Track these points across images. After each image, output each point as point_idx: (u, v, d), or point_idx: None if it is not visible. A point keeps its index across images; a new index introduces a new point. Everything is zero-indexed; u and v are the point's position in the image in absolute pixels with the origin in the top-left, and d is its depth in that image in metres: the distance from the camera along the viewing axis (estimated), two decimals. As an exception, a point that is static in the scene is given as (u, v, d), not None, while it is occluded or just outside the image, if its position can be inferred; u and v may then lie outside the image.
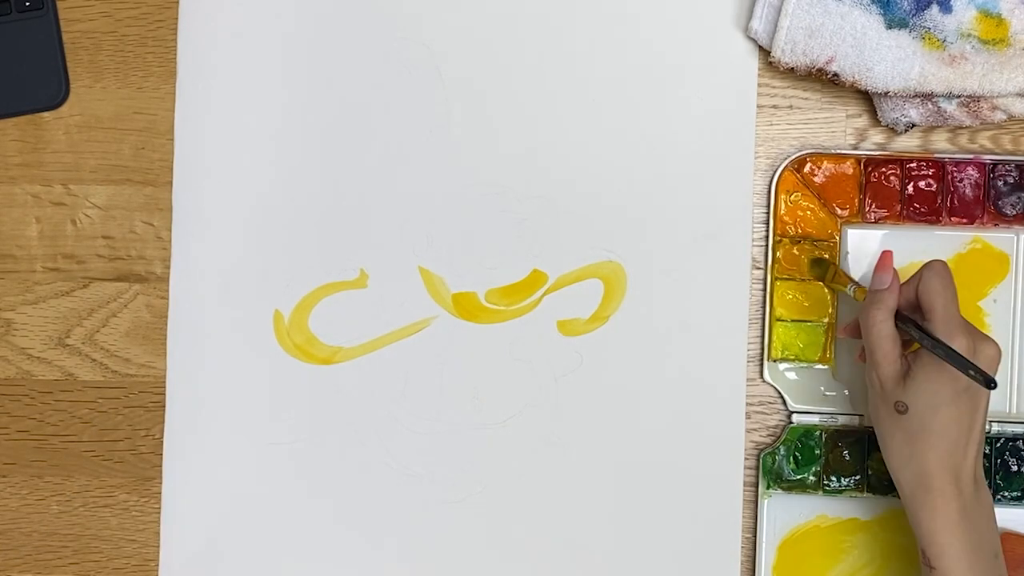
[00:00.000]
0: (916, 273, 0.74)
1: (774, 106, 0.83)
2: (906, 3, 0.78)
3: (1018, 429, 0.81)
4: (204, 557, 0.83)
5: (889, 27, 0.78)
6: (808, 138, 0.83)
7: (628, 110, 0.82)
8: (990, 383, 0.69)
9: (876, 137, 0.83)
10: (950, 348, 0.71)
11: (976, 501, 0.72)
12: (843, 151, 0.82)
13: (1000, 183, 0.81)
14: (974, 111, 0.79)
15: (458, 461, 0.83)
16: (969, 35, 0.78)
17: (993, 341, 0.73)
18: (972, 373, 0.70)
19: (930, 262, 0.74)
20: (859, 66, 0.78)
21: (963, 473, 0.72)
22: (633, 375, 0.82)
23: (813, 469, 0.81)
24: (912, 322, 0.73)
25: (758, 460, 0.81)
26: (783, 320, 0.82)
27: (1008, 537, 0.81)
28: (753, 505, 0.82)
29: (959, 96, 0.79)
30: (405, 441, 0.83)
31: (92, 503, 0.84)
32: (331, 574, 0.83)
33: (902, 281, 0.75)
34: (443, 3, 0.83)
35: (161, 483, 0.83)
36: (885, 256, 0.76)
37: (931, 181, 0.81)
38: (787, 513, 0.81)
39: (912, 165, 0.81)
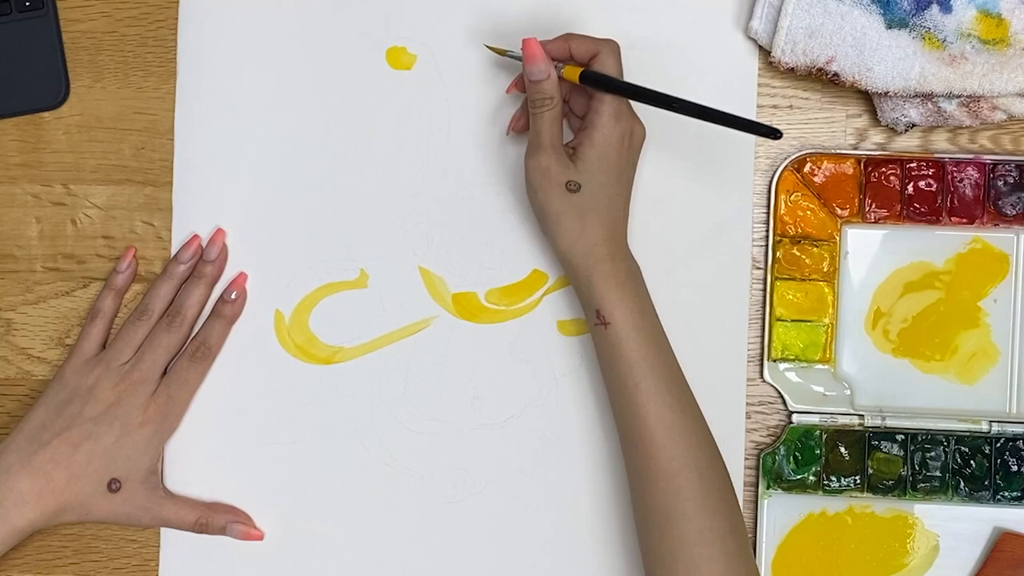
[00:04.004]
0: (586, 40, 0.78)
1: (774, 106, 0.83)
2: (906, 3, 0.78)
3: (1018, 429, 0.81)
4: (204, 557, 0.83)
5: (889, 27, 0.78)
6: (808, 138, 0.83)
7: (628, 110, 0.82)
8: (776, 134, 0.72)
9: (876, 137, 0.83)
10: (724, 113, 0.73)
11: (635, 265, 0.78)
12: (843, 151, 0.82)
13: (1000, 183, 0.82)
14: (974, 111, 0.79)
15: (458, 461, 0.83)
16: (969, 35, 0.78)
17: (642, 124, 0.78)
18: (761, 129, 0.72)
19: (608, 40, 0.77)
20: (859, 66, 0.78)
21: (623, 241, 0.77)
22: (633, 375, 0.82)
23: (813, 469, 0.81)
24: (678, 102, 0.75)
25: (758, 460, 0.82)
26: (783, 320, 0.82)
27: (1008, 537, 0.81)
28: (753, 505, 0.82)
29: (959, 96, 0.79)
30: (405, 441, 0.83)
31: (92, 503, 0.84)
32: (331, 574, 0.83)
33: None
34: (443, 3, 0.83)
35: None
36: (531, 46, 0.76)
37: (931, 181, 0.81)
38: (787, 513, 0.81)
39: (912, 165, 0.81)
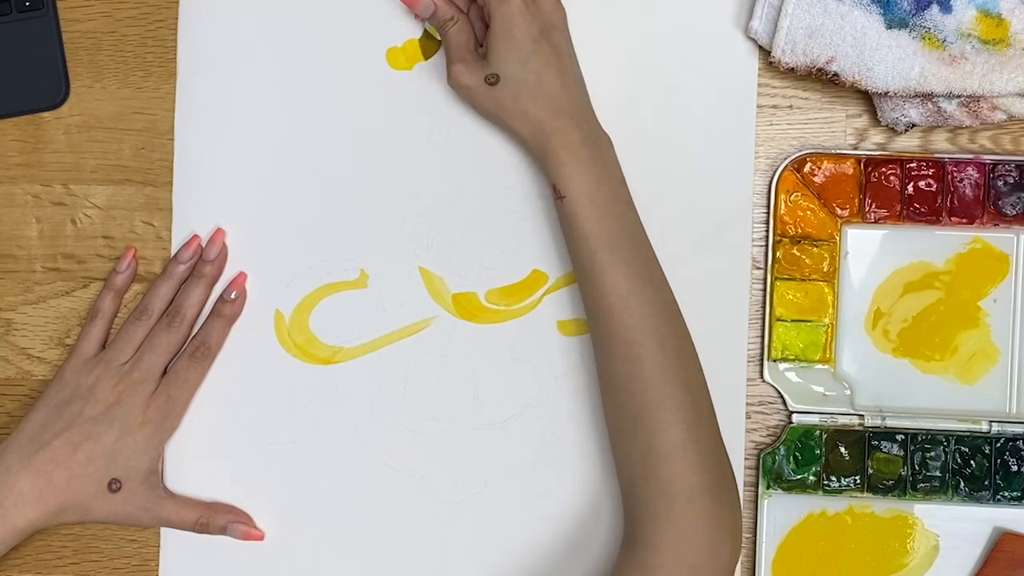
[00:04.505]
0: None
1: (774, 106, 0.83)
2: (906, 3, 0.78)
3: (1018, 429, 0.81)
4: (204, 557, 0.83)
5: (889, 27, 0.78)
6: (808, 138, 0.83)
7: (628, 110, 0.82)
8: None
9: (876, 137, 0.83)
10: None
11: (594, 134, 0.77)
12: (843, 151, 0.82)
13: (1000, 183, 0.82)
14: (974, 111, 0.79)
15: (458, 461, 0.83)
16: (969, 35, 0.78)
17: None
18: None
19: None
20: (859, 66, 0.78)
21: (574, 111, 0.76)
22: (633, 375, 0.82)
23: (813, 469, 0.81)
24: None
25: (758, 460, 0.82)
26: (783, 320, 0.82)
27: (1008, 537, 0.81)
28: (753, 505, 0.82)
29: (959, 96, 0.79)
30: (405, 441, 0.83)
31: (92, 503, 0.84)
32: (331, 574, 0.83)
33: None
34: (443, 3, 0.83)
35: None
36: None
37: (931, 181, 0.81)
38: (787, 513, 0.82)
39: (912, 165, 0.81)
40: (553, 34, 0.77)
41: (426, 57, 0.83)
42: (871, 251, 0.82)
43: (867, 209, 0.82)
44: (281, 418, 0.83)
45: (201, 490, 0.83)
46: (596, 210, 0.75)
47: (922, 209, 0.82)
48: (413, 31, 0.83)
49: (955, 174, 0.81)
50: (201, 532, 0.81)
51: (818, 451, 0.81)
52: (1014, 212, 0.81)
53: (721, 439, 0.75)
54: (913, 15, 0.78)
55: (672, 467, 0.72)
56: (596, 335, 0.76)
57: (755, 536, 0.81)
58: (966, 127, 0.81)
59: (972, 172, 0.81)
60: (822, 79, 0.79)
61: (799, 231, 0.82)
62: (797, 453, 0.81)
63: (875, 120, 0.82)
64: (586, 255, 0.75)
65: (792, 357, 0.82)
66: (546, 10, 0.77)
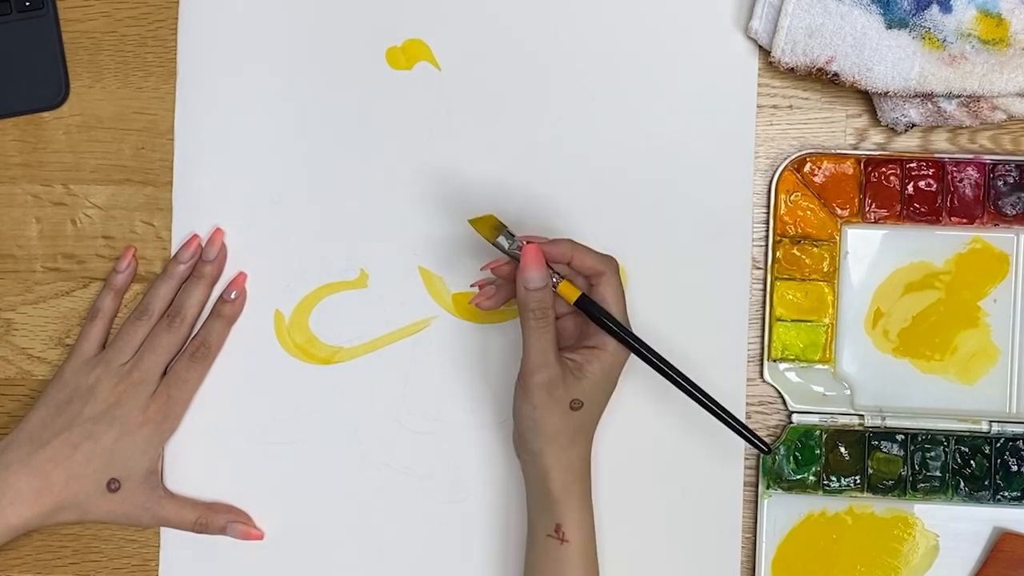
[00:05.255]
0: (590, 254, 0.75)
1: (774, 106, 0.83)
2: (906, 3, 0.78)
3: (1018, 429, 0.81)
4: (204, 557, 0.83)
5: (889, 27, 0.78)
6: (808, 138, 0.83)
7: (628, 110, 0.82)
8: (767, 448, 0.75)
9: (876, 137, 0.83)
10: (727, 413, 0.75)
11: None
12: (843, 151, 0.82)
13: (1000, 183, 0.82)
14: (974, 111, 0.79)
15: (458, 461, 0.83)
16: (969, 35, 0.78)
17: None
18: (752, 440, 0.74)
19: (610, 260, 0.75)
20: (859, 66, 0.78)
21: (590, 458, 0.77)
22: (633, 375, 0.82)
23: (813, 469, 0.81)
24: (661, 362, 0.75)
25: (758, 460, 0.81)
26: (783, 320, 0.82)
27: (1008, 537, 0.81)
28: (753, 505, 0.82)
29: (959, 96, 0.79)
30: (405, 441, 0.83)
31: (92, 503, 0.84)
32: (331, 574, 0.83)
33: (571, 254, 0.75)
34: (443, 3, 0.83)
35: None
36: (531, 252, 0.73)
37: (931, 181, 0.81)
38: (787, 513, 0.81)
39: (912, 165, 0.81)
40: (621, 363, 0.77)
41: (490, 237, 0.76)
42: (871, 251, 0.82)
43: (867, 209, 0.82)
44: (281, 418, 0.83)
45: (201, 490, 0.83)
46: (589, 562, 0.76)
47: (922, 209, 0.82)
48: (413, 31, 0.83)
49: (955, 174, 0.81)
50: (200, 532, 0.81)
51: (818, 451, 0.81)
52: (1014, 212, 0.81)
53: None
54: (913, 15, 0.78)
55: None
56: None
57: (755, 536, 0.81)
58: (966, 127, 0.81)
59: (972, 172, 0.81)
60: (822, 79, 0.79)
61: (799, 231, 0.82)
62: (797, 453, 0.81)
63: (875, 120, 0.82)
64: None
65: (792, 357, 0.82)
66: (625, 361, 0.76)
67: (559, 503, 0.75)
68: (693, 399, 0.75)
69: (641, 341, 0.75)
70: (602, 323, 0.74)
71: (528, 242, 0.74)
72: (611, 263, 0.76)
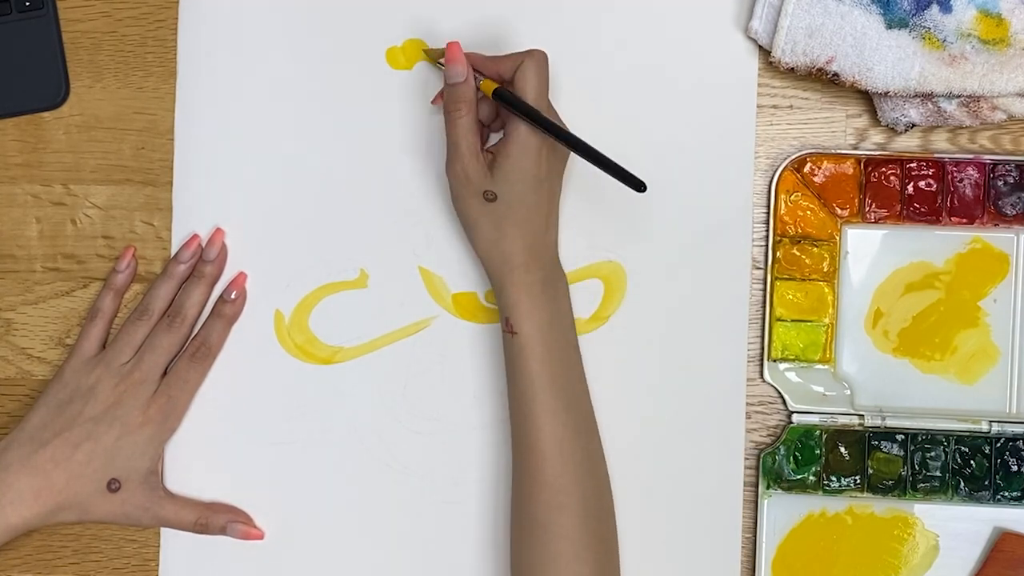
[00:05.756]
0: (516, 55, 0.77)
1: (774, 106, 0.83)
2: (906, 3, 0.78)
3: (1018, 429, 0.81)
4: (204, 557, 0.83)
5: (889, 27, 0.78)
6: (808, 138, 0.83)
7: (628, 110, 0.82)
8: (641, 186, 0.72)
9: (876, 137, 0.83)
10: (602, 155, 0.73)
11: (554, 276, 0.78)
12: (843, 151, 0.82)
13: (1000, 183, 0.82)
14: (974, 111, 0.79)
15: (458, 461, 0.83)
16: (969, 35, 0.78)
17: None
18: (627, 176, 0.72)
19: (533, 51, 0.77)
20: (859, 66, 0.78)
21: (543, 251, 0.77)
22: (633, 375, 0.82)
23: (813, 469, 0.81)
24: (563, 133, 0.75)
25: (758, 460, 0.82)
26: (783, 320, 0.82)
27: (1008, 537, 0.81)
28: (753, 505, 0.82)
29: (959, 96, 0.79)
30: (405, 441, 0.83)
31: (92, 503, 0.84)
32: (331, 574, 0.83)
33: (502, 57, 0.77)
34: (443, 3, 0.83)
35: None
36: (453, 49, 0.76)
37: (931, 181, 0.81)
38: (787, 513, 0.81)
39: (912, 165, 0.81)
40: (554, 180, 0.78)
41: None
42: (871, 251, 0.82)
43: (867, 209, 0.82)
44: (281, 418, 0.83)
45: (201, 490, 0.83)
46: (546, 351, 0.76)
47: (922, 209, 0.82)
48: (413, 31, 0.83)
49: (955, 174, 0.81)
50: (201, 532, 0.81)
51: (818, 451, 0.81)
52: (1014, 212, 0.81)
53: None
54: (913, 15, 0.78)
55: None
56: (522, 476, 0.76)
57: (755, 536, 0.81)
58: (966, 127, 0.81)
59: (972, 172, 0.81)
60: (822, 79, 0.79)
61: (799, 231, 0.82)
62: (797, 453, 0.81)
63: (875, 120, 0.82)
64: (528, 395, 0.76)
65: (792, 357, 0.82)
66: (557, 159, 0.78)
67: (502, 294, 0.77)
68: (586, 156, 0.74)
69: (541, 115, 0.74)
70: (509, 106, 0.75)
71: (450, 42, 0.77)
72: (533, 55, 0.76)
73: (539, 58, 0.76)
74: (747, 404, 0.82)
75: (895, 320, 0.82)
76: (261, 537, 0.82)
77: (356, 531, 0.83)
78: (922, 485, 0.81)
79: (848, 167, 0.82)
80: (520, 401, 0.76)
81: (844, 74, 0.79)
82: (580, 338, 0.82)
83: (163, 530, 0.83)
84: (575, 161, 0.82)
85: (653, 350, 0.82)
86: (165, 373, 0.81)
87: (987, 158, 0.81)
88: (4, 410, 0.84)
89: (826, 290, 0.82)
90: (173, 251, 0.83)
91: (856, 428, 0.81)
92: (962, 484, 0.81)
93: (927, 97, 0.79)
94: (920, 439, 0.81)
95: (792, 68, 0.80)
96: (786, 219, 0.82)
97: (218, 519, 0.81)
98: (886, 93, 0.79)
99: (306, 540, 0.83)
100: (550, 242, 0.78)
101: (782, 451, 0.81)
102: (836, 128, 0.83)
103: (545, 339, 0.76)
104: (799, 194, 0.82)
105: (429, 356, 0.83)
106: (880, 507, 0.81)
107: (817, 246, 0.82)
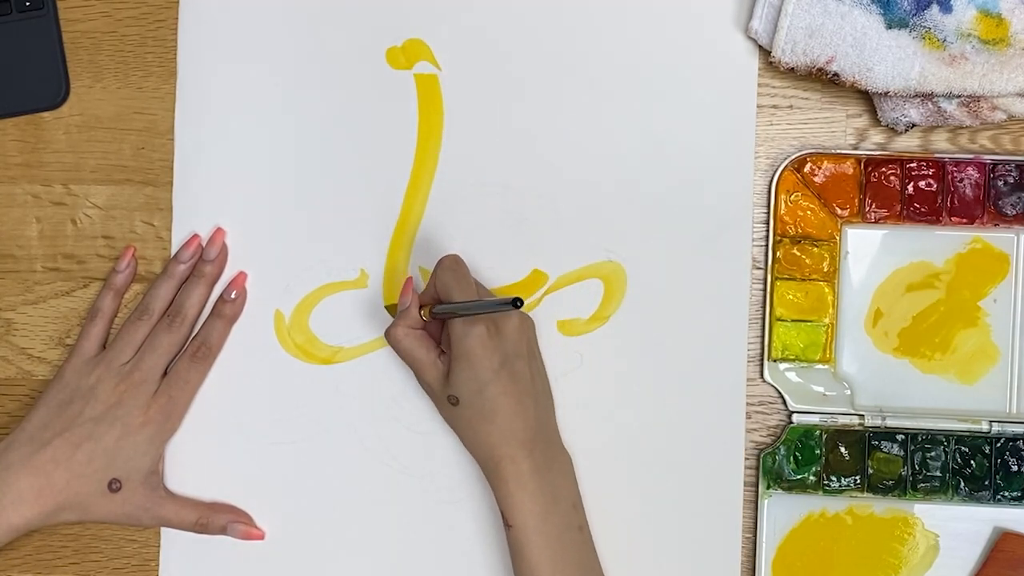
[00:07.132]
0: (432, 273, 0.78)
1: (774, 106, 0.83)
2: (906, 3, 0.78)
3: (1018, 429, 0.81)
4: (204, 557, 0.83)
5: (889, 27, 0.78)
6: (808, 138, 0.83)
7: (628, 110, 0.82)
8: (516, 302, 0.70)
9: (876, 137, 0.83)
10: (470, 302, 0.74)
11: (549, 459, 0.77)
12: (843, 151, 0.82)
13: (1000, 183, 0.82)
14: (974, 111, 0.79)
15: (458, 461, 0.83)
16: (969, 35, 0.78)
17: (519, 315, 0.77)
18: (498, 306, 0.72)
19: (441, 259, 0.78)
20: (859, 66, 0.78)
21: (529, 436, 0.76)
22: (633, 375, 0.82)
23: (813, 469, 0.81)
24: (440, 307, 0.76)
25: (758, 460, 0.82)
26: (783, 320, 0.82)
27: (1008, 537, 0.81)
28: (753, 505, 0.82)
29: (959, 96, 0.79)
30: (405, 441, 0.83)
31: (92, 503, 0.84)
32: (331, 574, 0.83)
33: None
34: (443, 3, 0.83)
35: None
36: (406, 285, 0.78)
37: (931, 181, 0.81)
38: (787, 513, 0.82)
39: (912, 165, 0.81)
40: (515, 362, 0.76)
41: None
42: (871, 251, 0.82)
43: (867, 209, 0.82)
44: (281, 418, 0.83)
45: (201, 490, 0.83)
46: (543, 540, 0.75)
47: (922, 209, 0.82)
48: (413, 31, 0.83)
49: (955, 174, 0.81)
50: (201, 532, 0.81)
51: (818, 451, 0.81)
52: (1014, 212, 0.81)
53: None
54: (913, 15, 0.78)
55: None
56: None
57: (755, 536, 0.81)
58: (966, 127, 0.81)
59: (972, 172, 0.81)
60: (822, 79, 0.79)
61: (799, 231, 0.82)
62: (797, 453, 0.81)
63: (875, 120, 0.82)
64: None
65: (792, 357, 0.82)
66: (509, 339, 0.76)
67: (493, 489, 0.76)
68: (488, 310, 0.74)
69: (464, 303, 0.74)
70: (442, 315, 0.76)
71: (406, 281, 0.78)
72: (440, 261, 0.77)
73: (446, 263, 0.77)
74: (747, 404, 0.82)
75: (895, 320, 0.82)
76: (261, 537, 0.82)
77: (356, 531, 0.83)
78: (922, 485, 0.81)
79: (848, 167, 0.82)
80: None
81: (844, 74, 0.79)
82: (579, 338, 0.82)
83: (163, 530, 0.83)
84: (576, 163, 0.82)
85: (653, 350, 0.82)
86: (165, 373, 0.81)
87: (987, 158, 0.81)
88: (4, 410, 0.84)
89: (826, 290, 0.82)
90: (173, 251, 0.83)
91: (856, 428, 0.81)
92: (962, 484, 0.81)
93: (927, 97, 0.79)
94: (920, 439, 0.81)
95: (792, 68, 0.80)
96: (786, 219, 0.82)
97: (218, 519, 0.81)
98: (886, 93, 0.79)
99: (306, 540, 0.83)
100: (535, 426, 0.76)
101: (782, 451, 0.81)
102: (836, 128, 0.83)
103: (541, 528, 0.75)
104: (799, 194, 0.82)
105: (429, 356, 0.83)
106: (880, 507, 0.81)
107: (817, 246, 0.82)
